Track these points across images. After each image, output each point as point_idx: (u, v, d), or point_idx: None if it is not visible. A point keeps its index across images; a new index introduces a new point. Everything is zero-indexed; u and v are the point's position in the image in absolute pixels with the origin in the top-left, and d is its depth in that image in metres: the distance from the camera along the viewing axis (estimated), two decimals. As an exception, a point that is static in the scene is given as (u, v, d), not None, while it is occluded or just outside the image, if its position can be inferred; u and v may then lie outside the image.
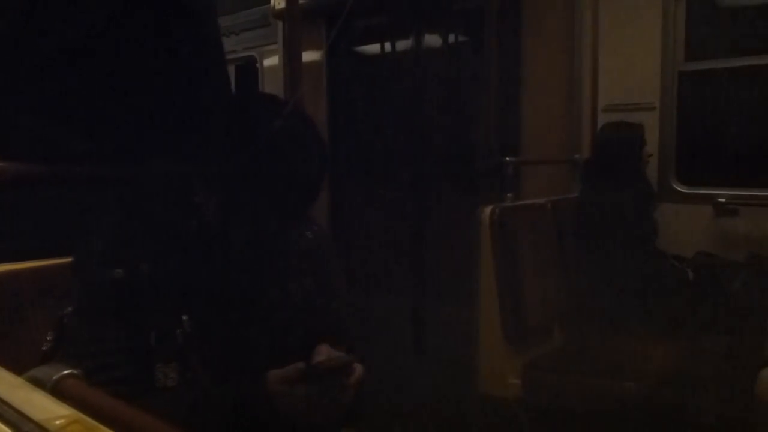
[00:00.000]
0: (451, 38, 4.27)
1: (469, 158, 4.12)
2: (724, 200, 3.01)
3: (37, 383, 0.76)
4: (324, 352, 1.09)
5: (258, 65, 5.08)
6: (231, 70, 5.08)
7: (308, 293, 1.23)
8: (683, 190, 3.18)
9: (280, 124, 1.05)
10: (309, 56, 4.31)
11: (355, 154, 4.78)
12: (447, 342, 3.36)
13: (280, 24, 4.36)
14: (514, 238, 2.58)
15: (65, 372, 0.81)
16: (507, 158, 2.83)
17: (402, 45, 4.42)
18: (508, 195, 2.74)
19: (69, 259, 1.14)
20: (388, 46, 4.54)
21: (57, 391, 0.76)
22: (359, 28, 4.44)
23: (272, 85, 4.75)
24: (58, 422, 0.58)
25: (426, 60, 4.26)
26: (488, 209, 2.55)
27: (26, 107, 1.33)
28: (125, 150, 1.37)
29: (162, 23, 1.47)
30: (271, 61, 4.92)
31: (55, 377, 0.79)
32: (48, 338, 1.09)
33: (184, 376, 1.06)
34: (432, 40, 4.30)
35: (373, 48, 4.66)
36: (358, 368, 1.08)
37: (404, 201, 4.32)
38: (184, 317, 1.06)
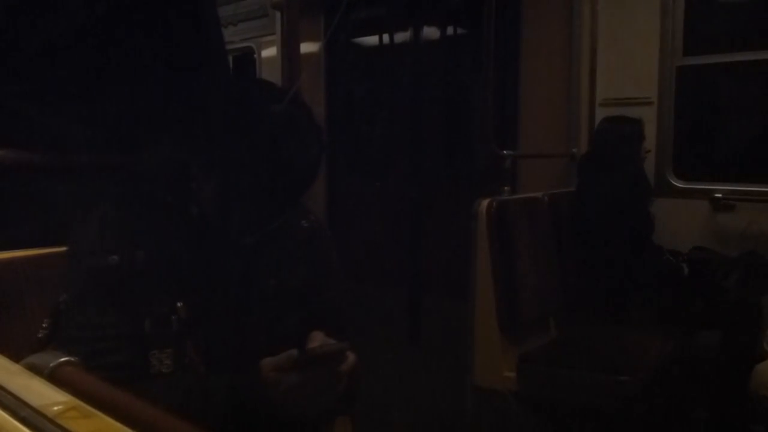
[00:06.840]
0: (450, 31, 4.27)
1: (467, 151, 4.13)
2: (720, 195, 3.02)
3: (35, 370, 0.76)
4: (317, 339, 1.09)
5: (256, 56, 5.06)
6: (229, 60, 5.05)
7: (303, 282, 1.24)
8: (680, 185, 3.19)
9: (277, 110, 1.05)
10: (307, 47, 4.29)
11: (352, 145, 4.78)
12: (443, 333, 3.37)
13: (278, 15, 4.33)
14: (511, 231, 2.58)
15: (63, 359, 0.81)
16: (505, 151, 2.84)
17: (400, 37, 4.41)
18: (506, 188, 2.74)
19: (65, 248, 1.14)
20: (386, 38, 4.53)
21: (54, 377, 0.76)
22: (358, 20, 4.43)
23: (270, 76, 4.72)
24: (55, 408, 0.58)
25: (424, 52, 4.25)
26: (486, 202, 2.56)
27: (24, 94, 1.33)
28: (123, 137, 1.37)
29: (162, 10, 1.46)
30: (269, 52, 4.90)
31: (52, 364, 0.79)
32: (44, 325, 1.09)
33: (179, 363, 1.06)
34: (431, 32, 4.30)
35: (372, 40, 4.65)
36: (351, 356, 1.08)
37: (401, 192, 4.32)
38: (179, 304, 1.06)
